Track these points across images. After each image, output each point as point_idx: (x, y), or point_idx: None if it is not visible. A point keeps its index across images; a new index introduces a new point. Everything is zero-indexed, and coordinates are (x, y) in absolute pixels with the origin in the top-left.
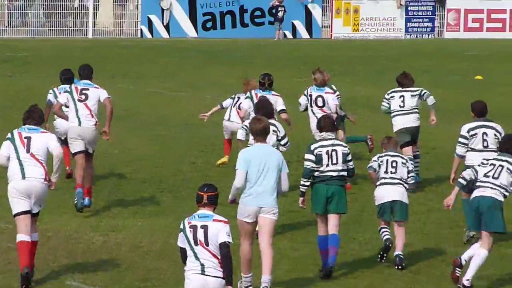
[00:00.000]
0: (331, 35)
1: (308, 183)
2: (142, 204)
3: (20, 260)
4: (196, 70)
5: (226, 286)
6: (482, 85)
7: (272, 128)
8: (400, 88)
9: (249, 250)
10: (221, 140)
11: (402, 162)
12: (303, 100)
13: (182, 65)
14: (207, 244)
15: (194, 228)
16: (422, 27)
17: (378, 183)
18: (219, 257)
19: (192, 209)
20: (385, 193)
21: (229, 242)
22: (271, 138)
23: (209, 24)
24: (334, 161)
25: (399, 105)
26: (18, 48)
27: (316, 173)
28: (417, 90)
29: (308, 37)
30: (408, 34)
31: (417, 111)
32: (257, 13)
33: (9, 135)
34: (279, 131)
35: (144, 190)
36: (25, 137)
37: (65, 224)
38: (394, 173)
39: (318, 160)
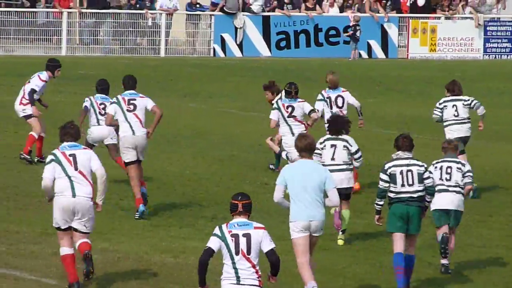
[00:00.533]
0: (408, 55)
1: (381, 203)
2: (214, 226)
3: (68, 274)
4: None
5: (271, 277)
6: None
7: (342, 143)
8: (452, 97)
9: (308, 265)
10: None
11: (457, 168)
12: (320, 105)
13: (254, 84)
14: (249, 253)
15: (236, 237)
16: (501, 47)
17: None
18: (256, 265)
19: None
20: (440, 200)
21: (274, 248)
22: (341, 153)
23: (283, 43)
24: (410, 182)
25: (454, 114)
26: (89, 66)
27: (391, 194)
28: (468, 100)
29: (384, 57)
30: (486, 54)
31: (470, 121)
32: (332, 32)
33: (51, 157)
34: (350, 146)
35: (218, 212)
36: (69, 155)
37: (135, 246)
38: (449, 180)
39: (393, 180)
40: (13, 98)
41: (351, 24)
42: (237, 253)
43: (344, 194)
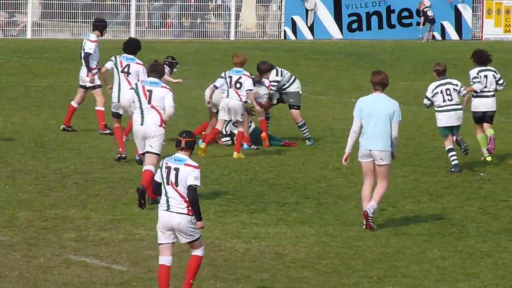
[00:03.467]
0: (482, 36)
1: None
2: (285, 211)
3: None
4: (340, 72)
5: (197, 222)
6: None
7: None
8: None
9: (367, 189)
10: None
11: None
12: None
13: (326, 68)
14: (176, 185)
15: (168, 169)
16: None
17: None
18: (185, 197)
19: (336, 217)
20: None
21: (195, 185)
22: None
23: (354, 25)
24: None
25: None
26: (158, 50)
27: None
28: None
29: (458, 38)
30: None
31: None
32: (405, 13)
33: (133, 86)
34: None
35: (288, 196)
36: (147, 90)
37: (207, 231)
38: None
39: None
40: None
41: (422, 8)
42: (167, 183)
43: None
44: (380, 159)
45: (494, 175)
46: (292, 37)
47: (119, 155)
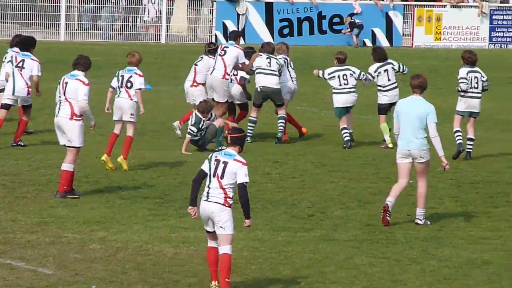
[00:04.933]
0: (412, 43)
1: None
2: None
3: None
4: None
5: (245, 220)
6: None
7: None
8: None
9: (401, 187)
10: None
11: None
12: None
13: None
14: (221, 178)
15: (217, 162)
16: (507, 36)
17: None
18: (226, 189)
19: (266, 221)
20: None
21: (246, 183)
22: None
23: (286, 31)
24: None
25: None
26: (88, 52)
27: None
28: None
29: (388, 45)
30: (492, 43)
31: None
32: (336, 19)
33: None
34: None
35: None
36: (65, 82)
37: (135, 236)
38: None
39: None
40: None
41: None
42: (214, 175)
43: None
44: (420, 157)
45: None
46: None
47: None
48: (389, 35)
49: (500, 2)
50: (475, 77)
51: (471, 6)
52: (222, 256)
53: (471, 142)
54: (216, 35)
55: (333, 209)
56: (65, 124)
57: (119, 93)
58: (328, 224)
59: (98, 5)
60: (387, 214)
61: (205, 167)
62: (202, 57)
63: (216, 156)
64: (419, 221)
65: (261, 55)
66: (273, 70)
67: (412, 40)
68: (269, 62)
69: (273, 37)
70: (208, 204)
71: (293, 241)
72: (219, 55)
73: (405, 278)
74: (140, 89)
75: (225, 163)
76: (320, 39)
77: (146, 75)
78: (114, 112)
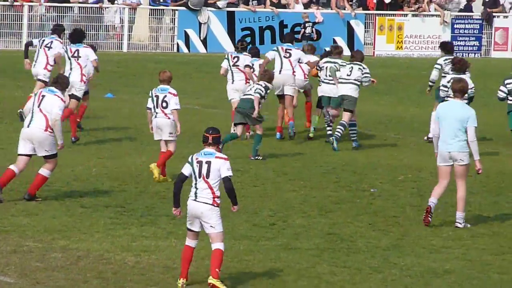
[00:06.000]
0: (374, 52)
1: None
2: (176, 225)
3: None
4: None
5: (232, 206)
6: None
7: None
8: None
9: (442, 187)
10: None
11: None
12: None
13: (218, 81)
14: (207, 177)
15: (200, 163)
16: (468, 45)
17: None
18: (214, 189)
19: (227, 230)
20: None
21: (230, 176)
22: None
23: (248, 39)
24: None
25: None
26: None
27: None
28: None
29: (350, 54)
30: (454, 52)
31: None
32: (297, 28)
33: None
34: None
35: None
36: (42, 95)
37: (96, 244)
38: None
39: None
40: None
41: (316, 21)
42: (199, 176)
43: None
44: (460, 159)
45: (385, 191)
46: (185, 50)
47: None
48: (350, 44)
49: (459, 11)
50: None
51: (433, 15)
52: (215, 251)
53: None
54: (178, 44)
55: (295, 218)
56: (38, 136)
57: (156, 114)
58: (289, 233)
59: (60, 14)
60: (429, 215)
61: (185, 170)
62: (238, 57)
63: (197, 158)
64: (459, 225)
65: (344, 65)
66: (355, 80)
67: (374, 49)
68: (351, 71)
69: (234, 46)
70: (197, 204)
71: (254, 249)
72: (284, 57)
73: (367, 287)
74: (176, 109)
75: (208, 162)
76: None
77: (107, 84)
78: (154, 132)
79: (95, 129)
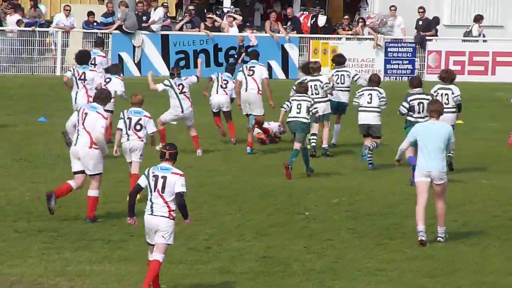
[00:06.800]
0: None
1: None
2: (110, 249)
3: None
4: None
5: (184, 220)
6: (463, 129)
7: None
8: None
9: (422, 206)
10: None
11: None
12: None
13: (153, 104)
14: (163, 192)
15: (156, 177)
16: (402, 68)
17: None
18: (169, 203)
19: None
20: None
21: (183, 192)
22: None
23: (182, 63)
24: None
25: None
26: None
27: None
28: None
29: (284, 77)
30: (387, 76)
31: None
32: (232, 52)
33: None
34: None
35: (113, 234)
36: (84, 112)
37: (30, 269)
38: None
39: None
40: None
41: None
42: (154, 190)
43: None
44: (440, 178)
45: (320, 213)
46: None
47: None
48: (285, 67)
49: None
50: (446, 94)
51: (367, 39)
52: (153, 262)
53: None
54: None
55: (230, 241)
56: (83, 152)
57: (128, 136)
58: (225, 257)
59: None
60: (425, 245)
61: (141, 181)
62: (182, 84)
63: (153, 172)
64: (441, 239)
65: (363, 94)
66: (374, 107)
67: None
68: (371, 98)
69: (169, 69)
70: (154, 218)
71: (189, 273)
72: (248, 74)
73: None
74: (154, 131)
75: (164, 177)
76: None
77: (41, 107)
78: (125, 153)
79: (29, 154)
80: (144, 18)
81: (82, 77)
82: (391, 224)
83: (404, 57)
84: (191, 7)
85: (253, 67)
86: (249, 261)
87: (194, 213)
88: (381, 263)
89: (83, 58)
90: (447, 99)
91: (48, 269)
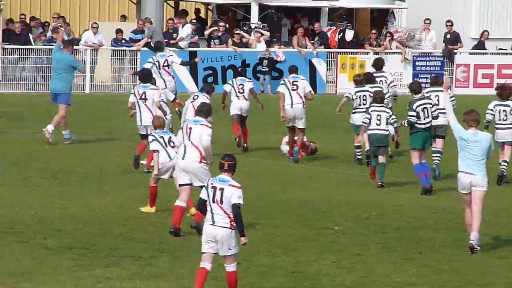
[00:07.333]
0: (336, 90)
1: None
2: (140, 266)
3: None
4: None
5: (240, 238)
6: None
7: None
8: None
9: (468, 216)
10: None
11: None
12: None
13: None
14: (221, 203)
15: (214, 188)
16: (429, 82)
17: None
18: (229, 214)
19: (191, 271)
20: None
21: (239, 204)
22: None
23: (210, 79)
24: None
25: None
26: (11, 102)
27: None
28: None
29: (313, 92)
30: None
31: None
32: (259, 67)
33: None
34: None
35: (143, 250)
36: (189, 127)
37: (60, 286)
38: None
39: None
40: None
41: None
42: (213, 201)
43: None
44: (480, 186)
45: (348, 228)
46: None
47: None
48: (312, 82)
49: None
50: (504, 110)
51: (394, 53)
52: (230, 273)
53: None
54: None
55: (258, 257)
56: (193, 167)
57: (168, 154)
58: (254, 272)
59: (22, 56)
60: (474, 252)
61: (203, 194)
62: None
63: (212, 183)
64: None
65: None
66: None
67: (336, 87)
68: (438, 100)
69: (197, 86)
70: (216, 228)
71: None
72: (292, 89)
73: None
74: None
75: (222, 189)
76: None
77: (69, 125)
78: (159, 170)
79: (57, 171)
80: (175, 35)
81: (143, 97)
82: (420, 238)
83: (432, 70)
84: (221, 24)
85: (296, 81)
86: (278, 276)
87: None
88: (410, 278)
89: (146, 76)
90: (505, 115)
91: (78, 286)
